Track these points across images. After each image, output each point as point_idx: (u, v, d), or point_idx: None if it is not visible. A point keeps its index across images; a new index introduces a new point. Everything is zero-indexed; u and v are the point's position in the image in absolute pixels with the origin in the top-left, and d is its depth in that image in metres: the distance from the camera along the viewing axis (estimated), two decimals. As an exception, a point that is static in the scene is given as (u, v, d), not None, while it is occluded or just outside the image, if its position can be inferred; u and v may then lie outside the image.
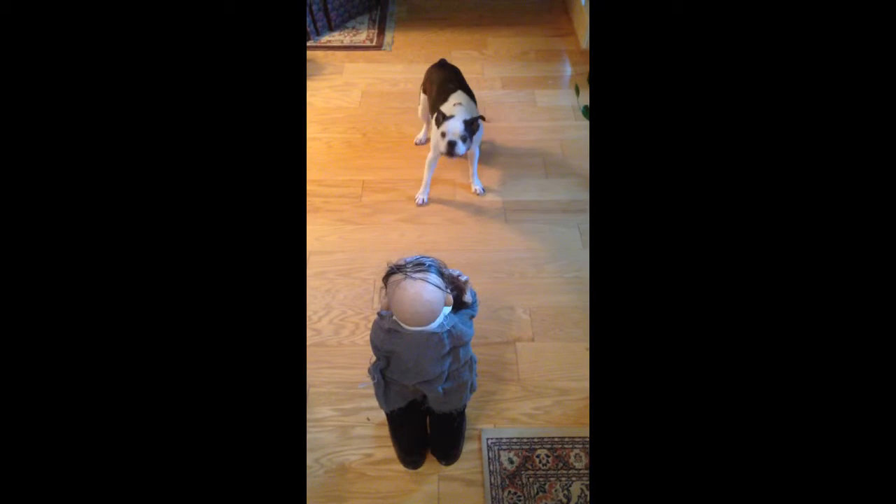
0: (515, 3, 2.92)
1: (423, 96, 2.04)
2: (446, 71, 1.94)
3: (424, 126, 2.15)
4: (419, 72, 2.28)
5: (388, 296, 0.96)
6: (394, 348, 1.03)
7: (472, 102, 1.85)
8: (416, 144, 2.14)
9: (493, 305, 1.58)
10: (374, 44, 2.63)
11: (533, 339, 1.50)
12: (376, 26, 2.74)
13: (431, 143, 1.89)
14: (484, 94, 2.34)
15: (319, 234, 1.79)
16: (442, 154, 1.76)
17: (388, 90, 2.39)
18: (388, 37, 2.68)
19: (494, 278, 1.66)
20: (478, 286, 1.68)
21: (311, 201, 1.89)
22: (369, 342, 1.11)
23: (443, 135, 1.72)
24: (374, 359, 1.12)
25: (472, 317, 1.09)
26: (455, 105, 1.76)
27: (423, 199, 1.89)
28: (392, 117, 2.25)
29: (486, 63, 2.53)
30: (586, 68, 2.46)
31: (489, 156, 2.07)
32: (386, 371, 1.09)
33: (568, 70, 2.53)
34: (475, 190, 1.93)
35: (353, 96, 2.35)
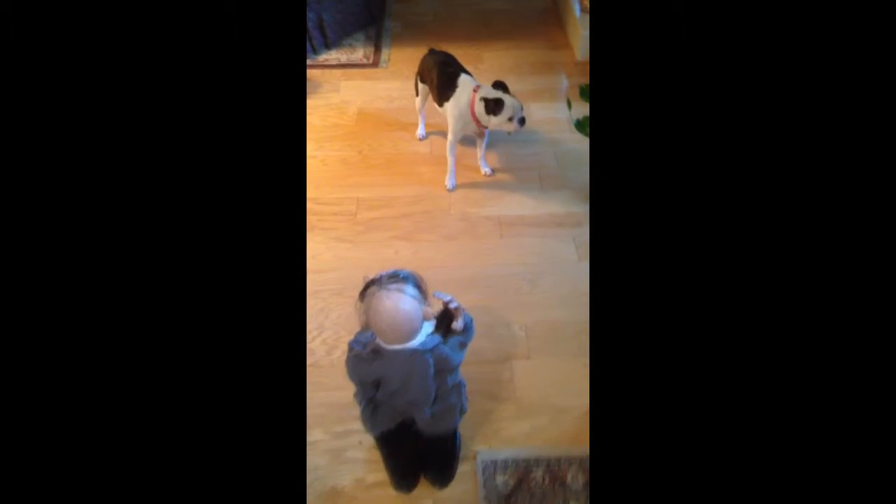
0: (510, 18, 2.94)
1: (420, 87, 2.09)
2: (441, 56, 2.01)
3: (421, 119, 2.21)
4: (413, 89, 2.29)
5: (364, 311, 0.95)
6: (380, 374, 1.00)
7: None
8: (419, 139, 2.21)
9: (488, 322, 1.56)
10: (370, 61, 2.65)
11: (529, 357, 1.48)
12: (373, 43, 2.77)
13: (452, 126, 1.94)
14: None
15: (314, 252, 1.79)
16: (508, 132, 1.84)
17: (384, 107, 2.40)
18: (384, 54, 2.70)
19: (489, 294, 1.65)
20: (472, 302, 1.67)
21: (306, 219, 1.90)
22: (347, 373, 1.08)
23: (510, 119, 1.78)
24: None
25: (463, 344, 1.06)
26: (487, 92, 1.81)
27: (452, 186, 1.96)
28: (388, 134, 2.26)
29: (482, 77, 2.52)
30: (581, 80, 2.46)
31: (486, 176, 2.06)
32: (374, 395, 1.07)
33: (563, 82, 2.52)
34: (484, 171, 2.00)
35: (349, 114, 2.36)
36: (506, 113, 1.77)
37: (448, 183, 1.98)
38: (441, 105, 2.01)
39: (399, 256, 1.77)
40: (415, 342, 0.94)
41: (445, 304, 1.01)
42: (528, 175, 2.05)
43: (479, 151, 2.02)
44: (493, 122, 1.79)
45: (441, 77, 1.96)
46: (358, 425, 1.31)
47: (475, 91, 1.83)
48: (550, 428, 1.32)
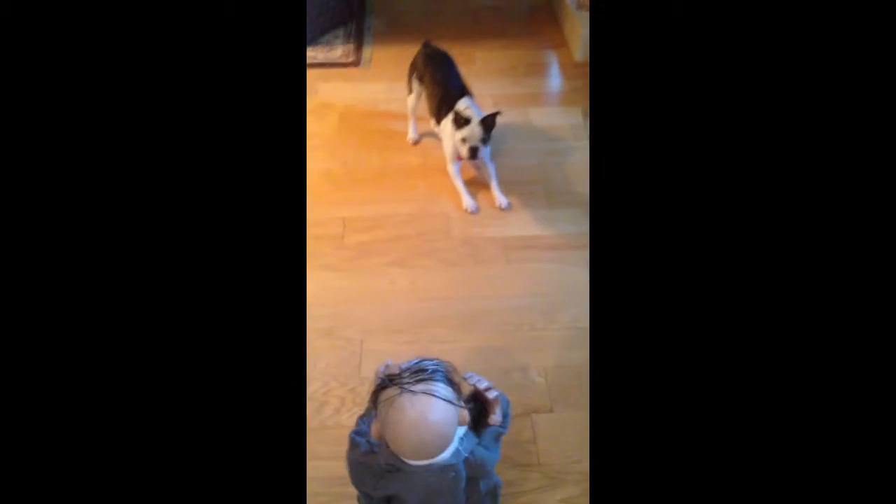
0: (501, 14, 2.72)
1: (415, 86, 1.93)
2: (440, 64, 1.86)
3: (413, 121, 2.01)
4: (401, 91, 2.07)
5: (379, 419, 0.69)
6: (394, 492, 0.73)
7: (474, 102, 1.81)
8: (412, 144, 2.02)
9: (501, 366, 1.36)
10: (350, 60, 2.40)
11: (551, 409, 1.29)
12: (353, 41, 2.51)
13: (447, 151, 1.84)
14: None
15: (295, 284, 1.55)
16: (465, 159, 1.76)
17: (368, 111, 2.16)
18: (366, 52, 2.45)
19: (500, 332, 1.45)
20: (481, 342, 1.47)
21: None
22: (349, 477, 0.81)
23: (463, 140, 1.70)
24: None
25: (500, 435, 0.83)
26: (466, 108, 1.73)
27: (473, 207, 1.78)
28: (375, 142, 2.02)
29: (474, 79, 2.31)
30: (581, 83, 2.28)
31: (484, 185, 1.85)
32: None
33: (562, 85, 2.34)
34: (500, 204, 1.79)
35: (329, 120, 2.12)
36: (463, 133, 1.70)
37: (466, 205, 1.77)
38: (437, 123, 1.84)
39: (395, 287, 1.55)
40: (446, 454, 0.70)
41: (479, 392, 0.79)
42: (532, 190, 1.85)
43: (491, 181, 1.83)
44: (456, 136, 1.72)
45: (441, 92, 1.81)
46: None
47: (466, 109, 1.74)
48: (583, 501, 1.13)
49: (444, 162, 1.87)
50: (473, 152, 1.70)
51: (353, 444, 0.79)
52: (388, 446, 0.71)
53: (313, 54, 2.43)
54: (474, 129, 1.68)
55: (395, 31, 2.59)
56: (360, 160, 1.96)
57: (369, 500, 0.78)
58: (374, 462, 0.73)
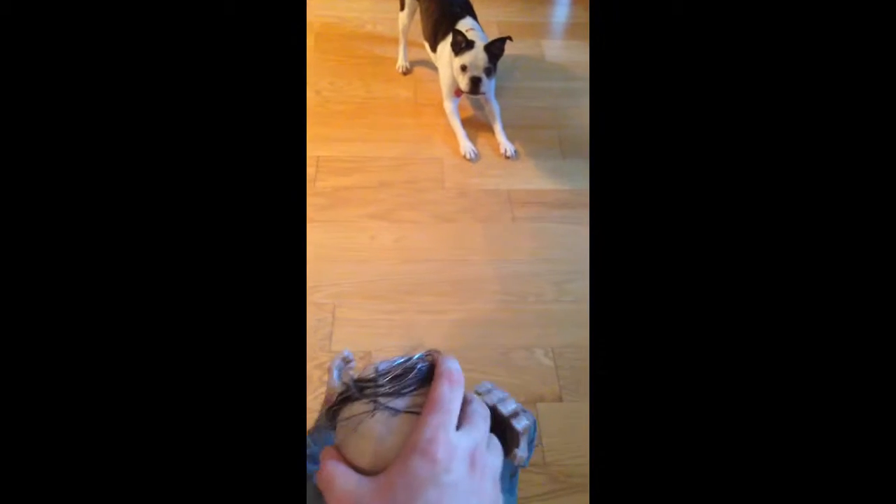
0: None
1: (407, 1, 1.60)
2: None
3: (403, 44, 1.69)
4: (390, 11, 1.73)
5: (338, 445, 0.41)
6: None
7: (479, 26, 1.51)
8: (402, 73, 1.70)
9: (501, 344, 1.14)
10: (331, -30, 2.02)
11: (560, 398, 1.08)
12: (335, -53, 2.11)
13: (444, 82, 1.53)
14: (477, 43, 1.81)
15: (255, 235, 1.27)
16: (464, 93, 1.46)
17: (350, 32, 1.82)
18: (350, -38, 2.06)
19: (500, 303, 1.21)
20: (480, 315, 1.23)
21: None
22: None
23: (463, 68, 1.41)
24: None
25: (516, 473, 0.59)
26: (469, 30, 1.44)
27: (473, 153, 1.49)
28: (355, 69, 1.70)
29: (478, 2, 1.97)
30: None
31: (487, 127, 1.57)
32: None
33: (580, 14, 2.01)
34: (505, 151, 1.50)
35: (303, 39, 1.77)
36: (463, 59, 1.40)
37: (464, 150, 1.49)
38: (433, 49, 1.52)
39: (376, 244, 1.29)
40: None
41: (501, 415, 0.52)
42: (544, 137, 1.57)
43: (495, 124, 1.53)
44: (455, 63, 1.43)
45: (439, 10, 1.49)
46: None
47: (469, 31, 1.44)
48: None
49: (439, 97, 1.57)
50: (475, 84, 1.41)
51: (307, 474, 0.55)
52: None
53: (287, -40, 2.03)
54: (478, 56, 1.38)
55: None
56: (338, 89, 1.64)
57: None
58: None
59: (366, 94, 1.64)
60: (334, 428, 0.34)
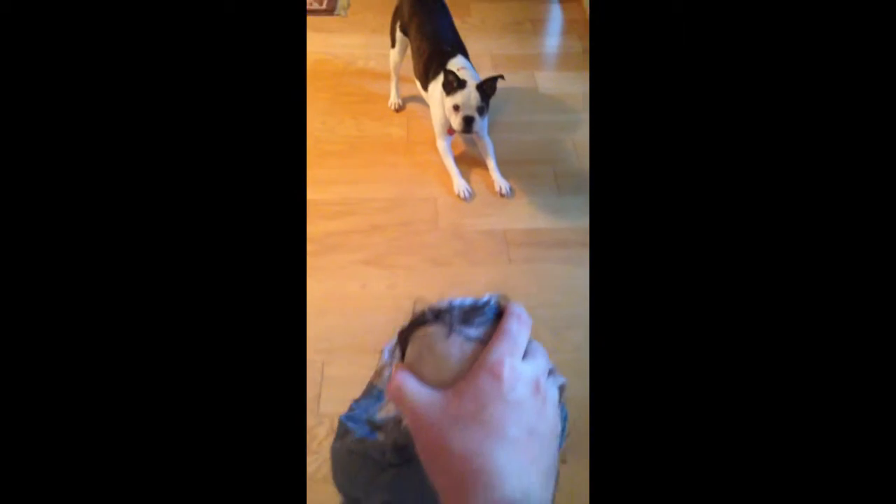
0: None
1: (399, 38, 1.59)
2: (431, 12, 1.51)
3: (395, 81, 1.67)
4: (383, 46, 1.71)
5: (411, 363, 0.37)
6: (395, 495, 0.50)
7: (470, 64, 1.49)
8: (394, 110, 1.68)
9: (500, 400, 1.08)
10: (323, 7, 2.02)
11: (564, 460, 1.01)
12: (326, -16, 2.11)
13: (436, 121, 1.51)
14: (470, 77, 1.79)
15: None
16: (456, 132, 1.44)
17: (341, 70, 1.80)
18: (341, -2, 2.06)
19: (499, 353, 1.16)
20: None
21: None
22: (332, 477, 0.58)
23: (455, 108, 1.38)
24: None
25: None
26: (460, 69, 1.41)
27: (467, 192, 1.46)
28: (347, 107, 1.68)
29: (470, 35, 1.96)
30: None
31: (481, 164, 1.53)
32: None
33: (574, 45, 1.99)
34: (500, 189, 1.46)
35: (294, 78, 1.75)
36: (455, 99, 1.37)
37: (458, 189, 1.45)
38: (424, 88, 1.50)
39: (368, 292, 1.24)
40: None
41: None
42: (539, 172, 1.54)
43: (489, 161, 1.50)
44: (447, 102, 1.40)
45: (430, 48, 1.47)
46: None
47: (461, 70, 1.42)
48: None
49: (432, 133, 1.54)
50: (468, 124, 1.38)
51: (344, 431, 0.56)
52: (399, 423, 0.48)
53: (278, -2, 2.03)
54: (470, 96, 1.36)
55: (377, -26, 2.19)
56: (330, 129, 1.61)
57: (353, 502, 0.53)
58: (373, 449, 0.50)
59: (357, 132, 1.61)
60: (403, 348, 0.35)
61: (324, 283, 1.25)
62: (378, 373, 0.61)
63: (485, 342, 0.30)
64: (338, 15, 1.99)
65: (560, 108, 1.74)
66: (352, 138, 1.60)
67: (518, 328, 0.30)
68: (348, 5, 2.04)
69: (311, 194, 1.43)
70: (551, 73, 1.87)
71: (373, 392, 0.64)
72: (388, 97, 1.69)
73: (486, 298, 0.34)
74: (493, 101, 1.42)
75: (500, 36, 1.99)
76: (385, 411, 0.57)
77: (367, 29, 1.93)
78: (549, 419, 0.29)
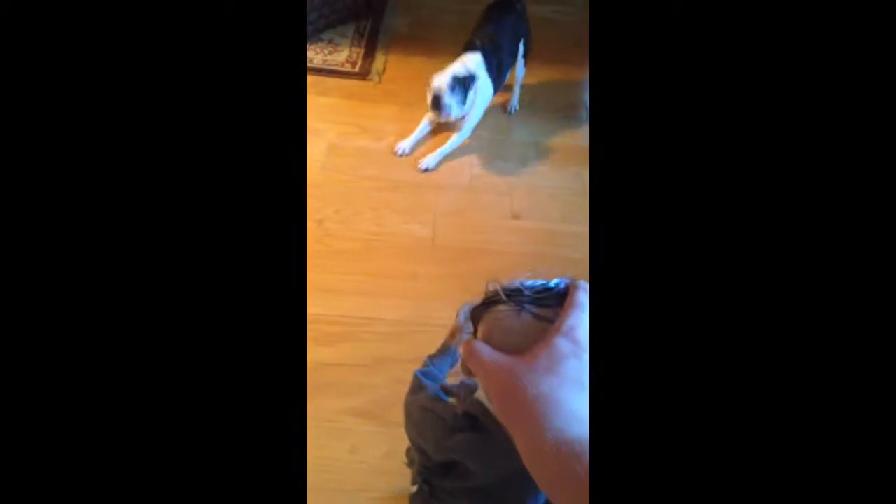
0: (557, 29, 2.14)
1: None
2: (501, 13, 1.63)
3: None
4: (416, 121, 1.52)
5: (484, 337, 0.39)
6: (461, 459, 0.51)
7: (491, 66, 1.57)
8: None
9: None
10: (356, 69, 1.84)
11: None
12: (363, 43, 1.95)
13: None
14: (509, 169, 1.57)
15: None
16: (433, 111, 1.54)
17: (367, 147, 1.61)
18: (378, 61, 1.89)
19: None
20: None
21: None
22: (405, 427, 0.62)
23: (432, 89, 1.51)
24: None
25: None
26: (468, 60, 1.53)
27: (405, 150, 1.58)
28: (367, 194, 1.47)
29: (513, 120, 1.75)
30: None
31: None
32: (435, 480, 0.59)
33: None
34: (422, 164, 1.54)
35: (314, 152, 1.57)
36: (436, 78, 1.50)
37: (400, 147, 1.57)
38: None
39: (356, 459, 1.00)
40: None
41: None
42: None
43: (447, 143, 1.58)
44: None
45: (468, 40, 1.61)
46: None
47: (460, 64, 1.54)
48: None
49: (459, 238, 1.33)
50: (435, 101, 1.48)
51: (419, 386, 0.62)
52: (471, 392, 0.50)
53: (311, 55, 1.87)
54: (444, 79, 1.47)
55: (419, 37, 2.02)
56: (345, 219, 1.41)
57: (425, 460, 0.57)
58: (445, 411, 0.54)
59: (376, 227, 1.41)
60: (476, 324, 0.38)
61: (314, 440, 1.02)
62: (452, 334, 0.68)
63: (552, 321, 0.34)
64: (371, 80, 1.81)
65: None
66: (368, 234, 1.39)
67: (587, 301, 0.34)
68: (384, 70, 1.86)
69: (311, 306, 1.22)
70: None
71: (447, 352, 0.72)
72: (415, 186, 1.48)
73: (555, 281, 0.38)
74: (536, 200, 1.20)
75: (549, 120, 1.78)
76: (455, 378, 0.60)
77: (400, 99, 1.74)
78: None
